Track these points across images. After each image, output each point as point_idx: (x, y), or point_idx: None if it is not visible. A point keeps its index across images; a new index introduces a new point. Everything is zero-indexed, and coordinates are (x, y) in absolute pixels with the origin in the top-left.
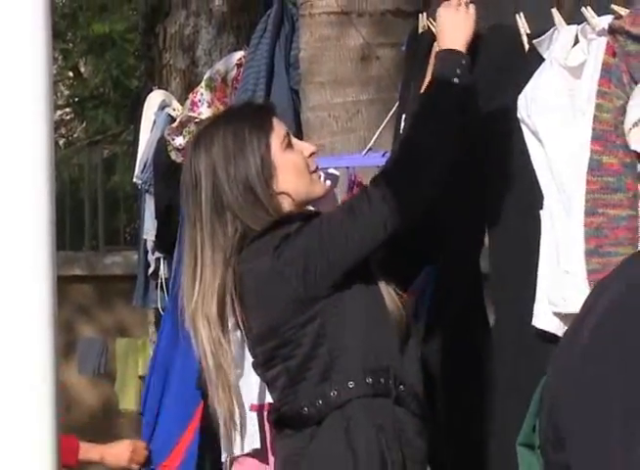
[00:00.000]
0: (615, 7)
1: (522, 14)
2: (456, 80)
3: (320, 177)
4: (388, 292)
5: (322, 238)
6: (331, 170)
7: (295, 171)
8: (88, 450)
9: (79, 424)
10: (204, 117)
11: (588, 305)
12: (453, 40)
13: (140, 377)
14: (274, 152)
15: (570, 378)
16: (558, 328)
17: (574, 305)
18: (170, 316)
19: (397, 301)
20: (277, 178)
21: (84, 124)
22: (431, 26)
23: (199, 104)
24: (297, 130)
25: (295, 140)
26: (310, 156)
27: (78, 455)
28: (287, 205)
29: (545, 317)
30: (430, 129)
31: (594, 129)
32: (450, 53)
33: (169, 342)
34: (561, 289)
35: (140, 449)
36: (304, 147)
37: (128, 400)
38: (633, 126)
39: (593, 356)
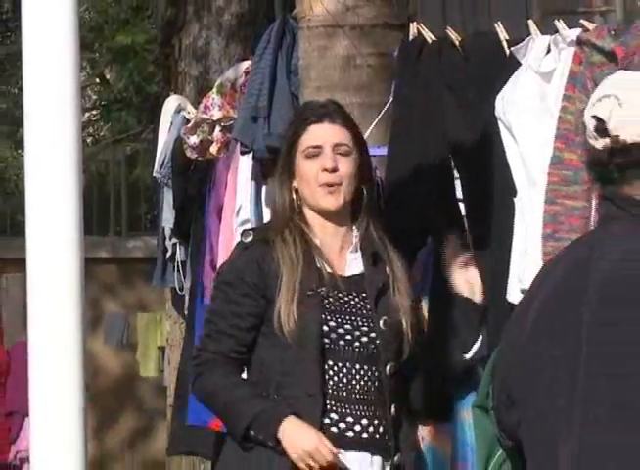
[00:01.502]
0: (583, 21)
1: (499, 23)
2: None
3: (330, 192)
4: None
5: None
6: None
7: (304, 177)
8: None
9: (105, 389)
10: (215, 118)
11: (535, 287)
12: None
13: (158, 347)
14: (298, 154)
15: (519, 352)
16: None
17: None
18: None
19: None
20: (295, 177)
21: (109, 125)
22: (422, 33)
23: (211, 107)
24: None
25: (325, 154)
26: (325, 171)
27: None
28: (303, 201)
29: (515, 293)
30: None
31: (558, 129)
32: None
33: None
34: (524, 267)
35: None
36: (323, 162)
37: (148, 368)
38: (597, 101)
39: (537, 333)
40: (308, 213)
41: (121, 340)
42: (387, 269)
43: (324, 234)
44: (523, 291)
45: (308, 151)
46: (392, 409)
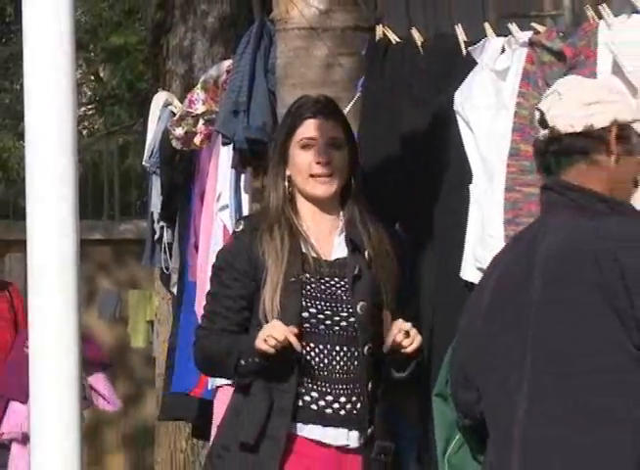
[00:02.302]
0: (534, 24)
1: (458, 25)
2: None
3: (321, 183)
4: None
5: None
6: None
7: (297, 166)
8: None
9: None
10: (199, 112)
11: (489, 270)
12: None
13: (147, 321)
14: (293, 145)
15: (474, 334)
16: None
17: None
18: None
19: None
20: (289, 165)
21: (103, 118)
22: (387, 35)
23: (195, 102)
24: (275, 123)
25: (319, 146)
26: (318, 163)
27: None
28: (295, 188)
29: (471, 271)
30: None
31: (514, 123)
32: None
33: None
34: (485, 249)
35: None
36: (317, 154)
37: (138, 340)
38: (546, 97)
39: (492, 315)
40: (299, 200)
41: (114, 314)
42: (367, 253)
43: (313, 220)
44: (480, 269)
45: (303, 142)
46: (370, 386)
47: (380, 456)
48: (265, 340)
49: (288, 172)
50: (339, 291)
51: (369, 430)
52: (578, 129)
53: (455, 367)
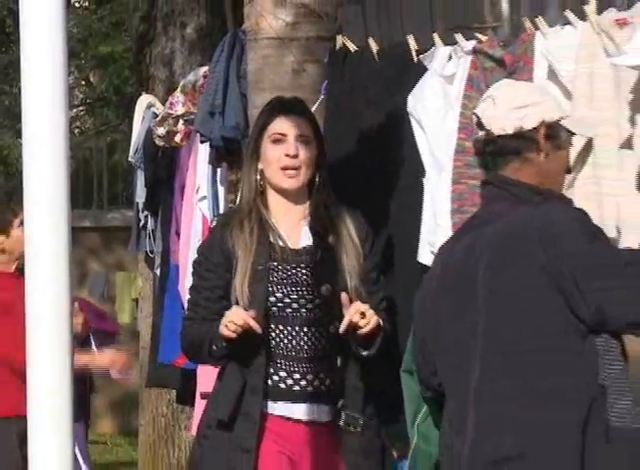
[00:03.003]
0: (477, 34)
1: (410, 35)
2: None
3: (290, 176)
4: None
5: None
6: None
7: (268, 160)
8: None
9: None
10: (179, 113)
11: (436, 260)
12: None
13: (132, 299)
14: (265, 139)
15: (428, 313)
16: None
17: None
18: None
19: None
20: (261, 159)
21: (93, 119)
22: (346, 44)
23: (175, 104)
24: (246, 124)
25: (289, 141)
26: (287, 156)
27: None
28: (266, 181)
29: (426, 255)
30: None
31: (460, 122)
32: None
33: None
34: (436, 235)
35: (121, 358)
36: (286, 148)
37: (124, 316)
38: (482, 101)
39: (440, 300)
40: (270, 192)
41: (102, 294)
42: (330, 239)
43: (282, 211)
44: (433, 253)
45: (274, 136)
46: (338, 362)
47: (348, 427)
48: (227, 325)
49: (260, 166)
50: (304, 276)
51: (339, 403)
52: (510, 131)
53: (414, 345)
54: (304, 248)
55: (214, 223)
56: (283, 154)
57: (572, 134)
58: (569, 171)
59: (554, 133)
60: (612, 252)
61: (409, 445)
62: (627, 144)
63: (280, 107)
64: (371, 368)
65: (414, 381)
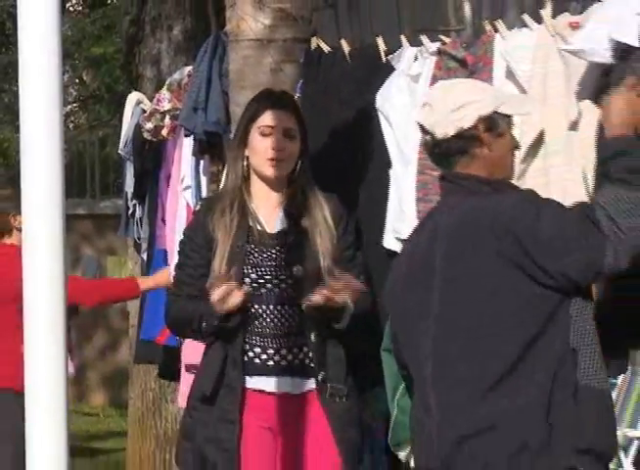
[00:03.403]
0: (441, 36)
1: (379, 37)
2: None
3: (274, 166)
4: None
5: None
6: None
7: (255, 149)
8: (143, 283)
9: (82, 313)
10: (165, 109)
11: (404, 248)
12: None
13: None
14: (254, 130)
15: (396, 298)
16: (398, 248)
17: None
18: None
19: None
20: (248, 145)
21: (86, 115)
22: (320, 45)
23: (162, 101)
24: (227, 119)
25: (277, 135)
26: (274, 149)
27: (139, 289)
28: (251, 169)
29: (391, 241)
30: None
31: None
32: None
33: None
34: (402, 222)
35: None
36: (273, 141)
37: None
38: (420, 108)
39: (406, 286)
40: (253, 179)
41: (95, 276)
42: (305, 222)
43: (263, 197)
44: (398, 239)
45: (263, 129)
46: (312, 337)
47: (333, 397)
48: (223, 300)
49: (247, 154)
50: (278, 258)
51: (319, 376)
52: (452, 133)
53: (390, 324)
54: (279, 231)
55: (198, 207)
56: (270, 147)
57: (510, 117)
58: (517, 148)
59: (492, 124)
60: (563, 219)
61: (390, 417)
62: (574, 127)
63: (269, 100)
64: (351, 341)
65: (393, 359)
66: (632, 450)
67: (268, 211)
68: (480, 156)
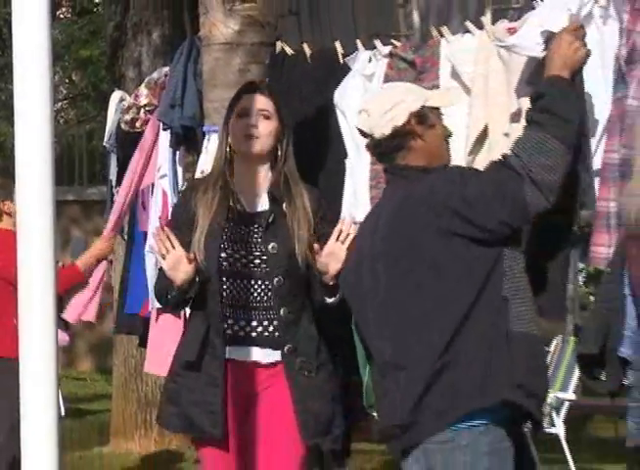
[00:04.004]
0: (393, 41)
1: (338, 41)
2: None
3: (250, 140)
4: None
5: None
6: None
7: (234, 130)
8: (84, 263)
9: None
10: (142, 104)
11: (363, 225)
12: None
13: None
14: (234, 114)
15: (350, 278)
16: None
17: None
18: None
19: None
20: (230, 133)
21: (75, 111)
22: (284, 48)
23: (140, 96)
24: (202, 115)
25: (252, 116)
26: (249, 126)
27: (82, 274)
28: (233, 151)
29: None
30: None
31: None
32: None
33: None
34: (356, 207)
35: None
36: (248, 119)
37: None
38: (358, 113)
39: (354, 265)
40: (237, 161)
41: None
42: (285, 207)
43: (245, 178)
44: (354, 222)
45: (239, 111)
46: (282, 312)
47: (302, 371)
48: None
49: (230, 139)
50: (255, 236)
51: (285, 348)
52: (388, 132)
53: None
54: (260, 212)
55: (184, 187)
56: (245, 124)
57: (438, 109)
58: (449, 136)
59: (423, 118)
60: (484, 177)
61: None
62: (514, 120)
63: (246, 87)
64: (326, 319)
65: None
66: (563, 410)
67: (251, 192)
68: (417, 147)
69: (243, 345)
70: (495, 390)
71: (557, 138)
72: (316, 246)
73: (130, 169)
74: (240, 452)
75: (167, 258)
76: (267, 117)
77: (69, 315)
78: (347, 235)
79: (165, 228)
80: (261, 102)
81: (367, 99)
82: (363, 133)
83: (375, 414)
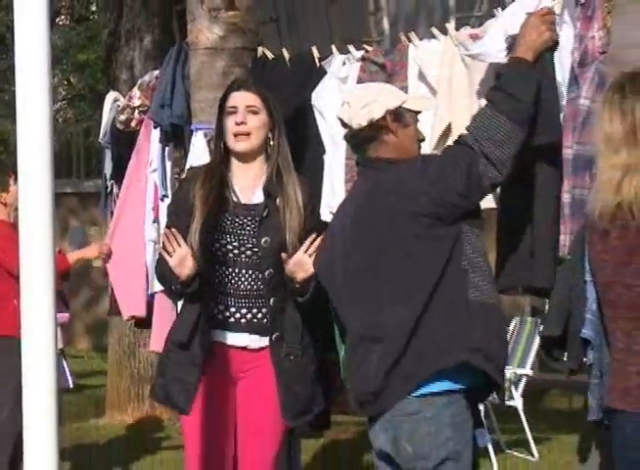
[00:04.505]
0: (365, 46)
1: (315, 46)
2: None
3: (240, 140)
4: None
5: None
6: None
7: (225, 128)
8: (73, 259)
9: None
10: (135, 105)
11: (332, 221)
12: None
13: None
14: (224, 113)
15: (325, 256)
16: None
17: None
18: None
19: None
20: (223, 122)
21: (73, 110)
22: (265, 53)
23: (133, 97)
24: (189, 114)
25: (240, 112)
26: (237, 124)
27: (70, 265)
28: (227, 147)
29: (325, 215)
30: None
31: None
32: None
33: None
34: (333, 199)
35: (105, 246)
36: (236, 118)
37: (97, 260)
38: (341, 106)
39: (335, 254)
40: (231, 155)
41: (80, 243)
42: (278, 200)
43: (240, 172)
44: (331, 212)
45: (228, 109)
46: (272, 302)
47: (288, 356)
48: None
49: (223, 137)
50: (248, 228)
51: (273, 335)
52: (364, 124)
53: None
54: (255, 204)
55: (184, 176)
56: (234, 122)
57: (416, 112)
58: (422, 140)
59: (399, 116)
60: (443, 157)
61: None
62: None
63: (233, 86)
64: (308, 307)
65: None
66: (521, 385)
67: (246, 185)
68: (389, 142)
69: (232, 330)
70: (456, 353)
71: (506, 115)
72: (284, 255)
73: (128, 174)
74: (221, 429)
75: (174, 256)
76: (255, 113)
77: (126, 311)
78: (315, 250)
79: (173, 229)
80: (248, 98)
81: (351, 93)
82: (343, 123)
83: (349, 386)
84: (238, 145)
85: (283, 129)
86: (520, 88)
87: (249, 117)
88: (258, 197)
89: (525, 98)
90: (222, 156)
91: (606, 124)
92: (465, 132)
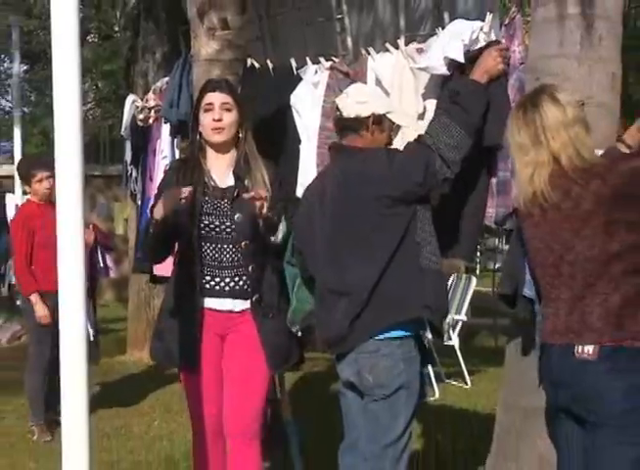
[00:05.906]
0: (333, 58)
1: (293, 58)
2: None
3: (217, 133)
4: None
5: None
6: None
7: (202, 123)
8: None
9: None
10: (151, 105)
11: (306, 191)
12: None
13: (124, 219)
14: (201, 109)
15: (301, 224)
16: None
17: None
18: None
19: None
20: (199, 124)
21: (100, 110)
22: (253, 63)
23: (149, 100)
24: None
25: (216, 110)
26: (214, 120)
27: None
28: (203, 139)
29: (301, 191)
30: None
31: (322, 110)
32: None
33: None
34: (307, 181)
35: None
36: (213, 114)
37: (119, 229)
38: (342, 94)
39: (311, 220)
40: (207, 148)
41: (106, 215)
42: (247, 181)
43: (214, 161)
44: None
45: (205, 106)
46: (250, 269)
47: (267, 315)
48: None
49: (200, 129)
50: (224, 208)
51: (254, 298)
52: (352, 116)
53: (295, 249)
54: (228, 187)
55: (168, 167)
56: (212, 119)
57: (394, 123)
58: (389, 144)
59: (380, 121)
60: (405, 152)
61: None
62: (421, 117)
63: (209, 85)
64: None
65: (293, 268)
66: (457, 328)
67: (219, 171)
68: (364, 137)
69: (219, 297)
70: (411, 309)
71: (460, 125)
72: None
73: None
74: (217, 381)
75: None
76: (229, 110)
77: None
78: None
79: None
80: (223, 97)
81: (353, 87)
82: (337, 108)
83: (294, 329)
84: (215, 137)
85: (249, 124)
86: (473, 105)
87: (224, 114)
88: (230, 181)
89: (475, 113)
90: (199, 147)
91: (515, 135)
92: (425, 134)
